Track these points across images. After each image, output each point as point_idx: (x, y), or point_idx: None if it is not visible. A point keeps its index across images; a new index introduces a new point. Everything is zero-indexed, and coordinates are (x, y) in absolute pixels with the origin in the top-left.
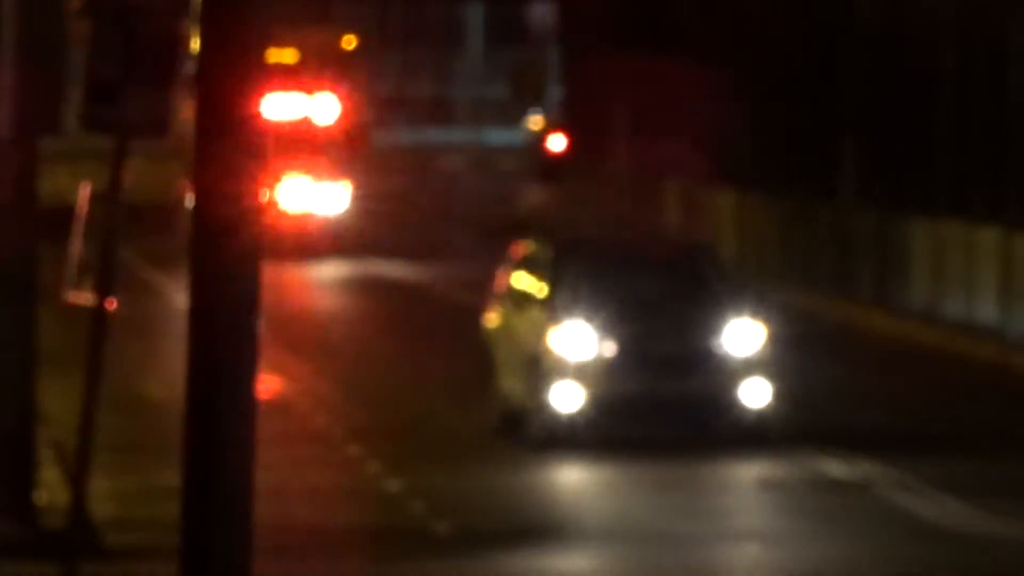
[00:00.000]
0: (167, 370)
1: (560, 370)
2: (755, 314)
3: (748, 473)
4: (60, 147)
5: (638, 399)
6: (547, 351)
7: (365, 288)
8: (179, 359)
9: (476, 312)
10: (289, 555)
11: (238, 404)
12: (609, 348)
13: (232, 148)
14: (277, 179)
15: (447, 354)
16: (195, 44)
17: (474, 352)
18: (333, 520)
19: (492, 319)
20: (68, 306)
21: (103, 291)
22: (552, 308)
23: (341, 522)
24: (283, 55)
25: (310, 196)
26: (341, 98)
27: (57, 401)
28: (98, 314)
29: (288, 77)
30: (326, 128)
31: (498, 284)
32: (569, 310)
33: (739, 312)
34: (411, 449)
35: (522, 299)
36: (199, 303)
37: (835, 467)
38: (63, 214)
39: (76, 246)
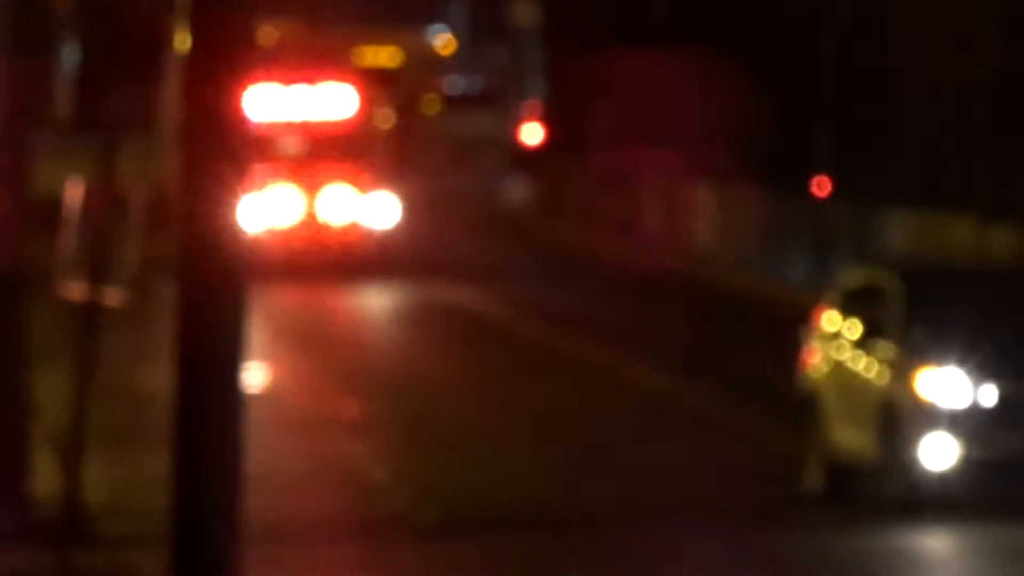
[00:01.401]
0: (159, 362)
1: (930, 420)
2: None
3: None
4: (52, 143)
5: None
6: (912, 398)
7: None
8: (171, 351)
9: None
10: (287, 541)
11: (225, 395)
12: (988, 395)
13: (218, 149)
14: (318, 188)
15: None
16: (181, 42)
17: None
18: (321, 506)
19: (816, 363)
20: (61, 300)
21: (95, 285)
22: (913, 348)
23: (324, 509)
24: (381, 55)
25: (356, 207)
26: (397, 99)
27: (51, 393)
28: (90, 307)
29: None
30: (376, 130)
31: (817, 322)
32: (934, 351)
33: None
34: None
35: (859, 339)
36: (187, 297)
37: None
38: (54, 209)
39: (68, 241)
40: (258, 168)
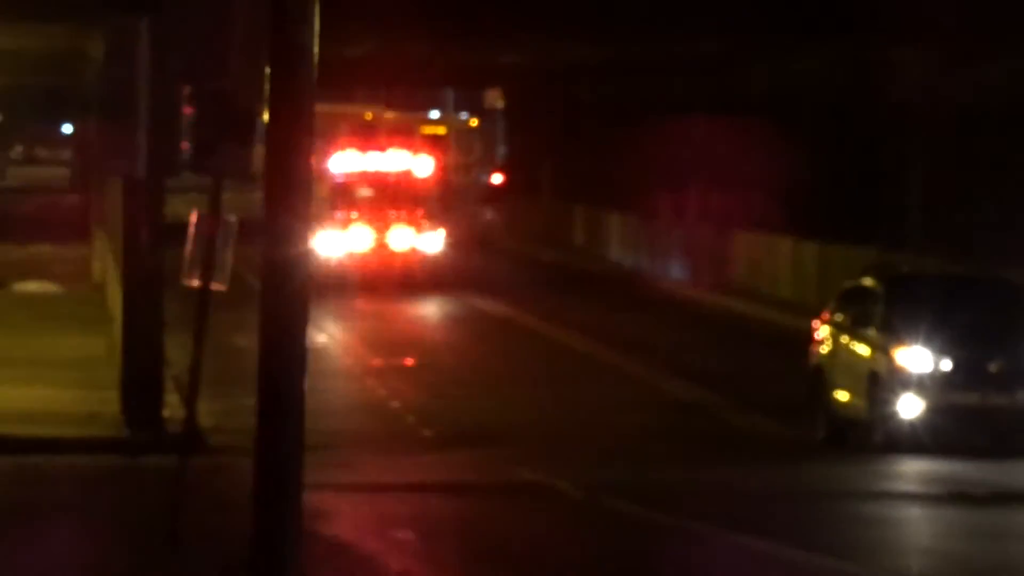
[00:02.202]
0: (249, 329)
1: (904, 384)
2: None
3: None
4: (176, 184)
5: (972, 409)
6: (891, 368)
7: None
8: (257, 322)
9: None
10: (328, 451)
11: (294, 350)
12: (945, 365)
13: (288, 187)
14: (387, 223)
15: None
16: (266, 117)
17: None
18: (355, 425)
19: (822, 346)
20: (185, 287)
21: (206, 278)
22: (892, 333)
23: (358, 428)
24: (437, 128)
25: (413, 239)
26: (443, 160)
27: (177, 350)
28: (203, 292)
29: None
30: (427, 181)
31: (823, 317)
32: (907, 334)
33: None
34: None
35: (853, 328)
36: (270, 285)
37: None
38: (180, 228)
39: (189, 249)
40: (344, 208)
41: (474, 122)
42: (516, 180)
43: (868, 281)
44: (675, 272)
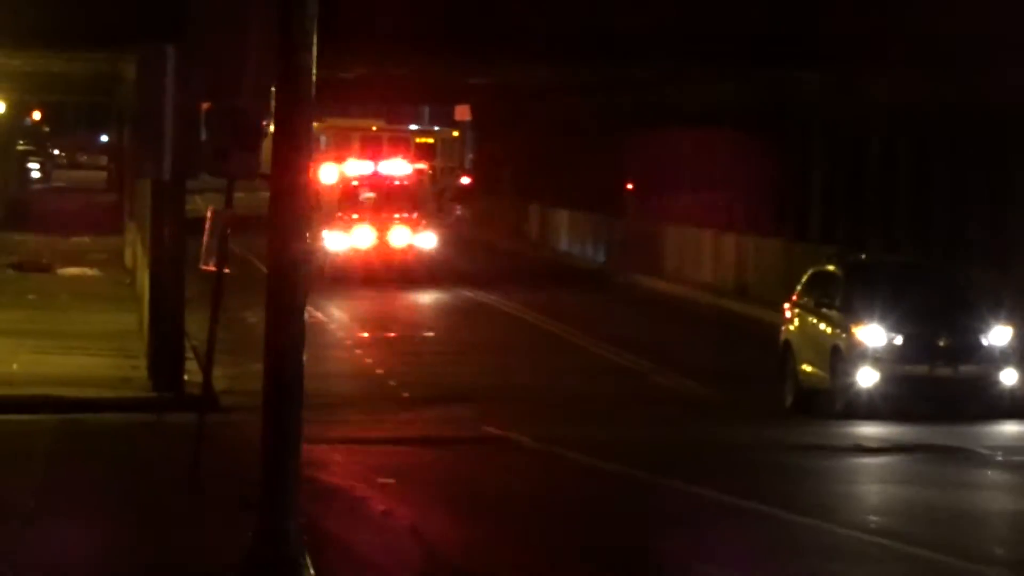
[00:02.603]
0: (257, 306)
1: (862, 357)
2: (1005, 318)
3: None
4: (196, 185)
5: (920, 379)
6: (851, 343)
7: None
8: (263, 300)
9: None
10: (320, 408)
11: (294, 325)
12: (897, 340)
13: (291, 188)
14: (388, 224)
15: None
16: (271, 129)
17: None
18: (345, 388)
19: (790, 325)
20: (202, 271)
21: (220, 263)
22: (851, 312)
23: (348, 390)
24: (428, 139)
25: (410, 237)
26: (438, 167)
27: (196, 325)
28: (218, 276)
29: (412, 150)
30: (422, 184)
31: (791, 300)
32: (864, 313)
33: (994, 315)
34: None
35: (817, 308)
36: (273, 272)
37: None
38: (199, 222)
39: (206, 238)
40: (351, 209)
41: (456, 133)
42: (482, 182)
43: (831, 267)
44: (615, 260)
